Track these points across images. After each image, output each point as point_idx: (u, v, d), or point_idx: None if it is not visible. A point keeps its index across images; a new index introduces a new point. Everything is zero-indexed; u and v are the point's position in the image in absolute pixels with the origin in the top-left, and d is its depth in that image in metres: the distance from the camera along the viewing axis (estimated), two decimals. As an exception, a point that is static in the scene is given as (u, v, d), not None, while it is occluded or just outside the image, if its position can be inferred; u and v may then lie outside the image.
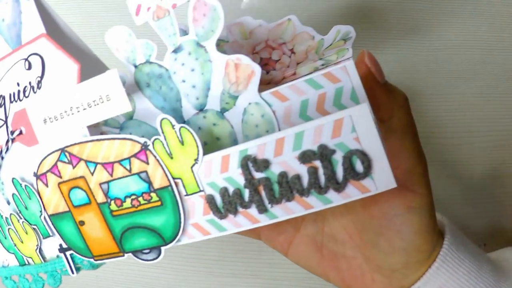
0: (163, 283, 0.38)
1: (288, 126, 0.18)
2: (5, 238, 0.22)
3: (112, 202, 0.19)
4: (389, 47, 0.36)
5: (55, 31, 0.18)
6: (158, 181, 0.18)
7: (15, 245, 0.22)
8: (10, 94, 0.20)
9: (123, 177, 0.19)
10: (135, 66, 0.19)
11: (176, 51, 0.18)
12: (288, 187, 0.17)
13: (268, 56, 0.23)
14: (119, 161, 0.18)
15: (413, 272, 0.22)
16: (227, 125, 0.19)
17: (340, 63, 0.18)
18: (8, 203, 0.22)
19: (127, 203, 0.19)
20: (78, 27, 0.42)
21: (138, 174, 0.18)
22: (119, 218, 0.19)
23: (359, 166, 0.16)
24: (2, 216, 0.22)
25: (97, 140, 0.19)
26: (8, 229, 0.22)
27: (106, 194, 0.19)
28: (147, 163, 0.18)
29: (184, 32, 0.18)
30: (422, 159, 0.22)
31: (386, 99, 0.20)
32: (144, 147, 0.18)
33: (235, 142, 0.19)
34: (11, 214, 0.22)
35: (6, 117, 0.20)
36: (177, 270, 0.38)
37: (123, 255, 0.20)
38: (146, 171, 0.18)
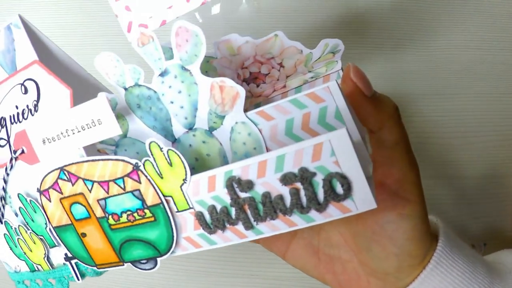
0: (163, 283, 0.39)
1: (275, 144, 0.19)
2: (16, 246, 0.24)
3: (110, 217, 0.20)
4: (389, 47, 0.36)
5: (46, 57, 0.19)
6: (150, 199, 0.19)
7: (24, 253, 0.24)
8: (10, 116, 0.21)
9: (118, 194, 0.20)
10: (125, 89, 0.19)
11: (162, 74, 0.19)
12: (272, 207, 0.17)
13: (258, 70, 0.23)
14: (114, 180, 0.19)
15: (407, 275, 0.23)
16: (216, 142, 0.20)
17: (326, 82, 0.18)
18: (16, 215, 0.23)
19: (124, 218, 0.20)
20: (78, 27, 0.42)
21: (131, 192, 0.19)
22: (117, 231, 0.20)
23: (339, 189, 0.16)
24: (11, 227, 0.24)
25: (92, 160, 0.19)
26: (18, 239, 0.23)
27: (104, 209, 0.20)
28: (139, 182, 0.19)
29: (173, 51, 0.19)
30: (414, 166, 0.22)
31: (375, 111, 0.20)
32: (136, 167, 0.19)
33: (224, 158, 0.20)
34: (19, 225, 0.23)
35: (9, 137, 0.21)
36: (177, 270, 0.38)
37: (123, 264, 0.21)
38: (139, 189, 0.19)
